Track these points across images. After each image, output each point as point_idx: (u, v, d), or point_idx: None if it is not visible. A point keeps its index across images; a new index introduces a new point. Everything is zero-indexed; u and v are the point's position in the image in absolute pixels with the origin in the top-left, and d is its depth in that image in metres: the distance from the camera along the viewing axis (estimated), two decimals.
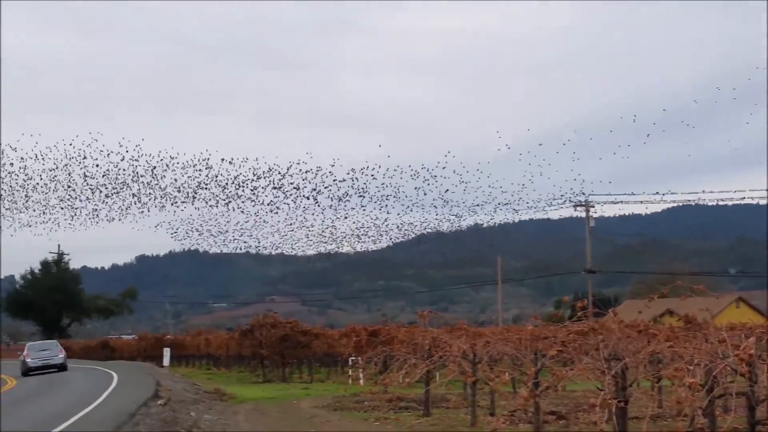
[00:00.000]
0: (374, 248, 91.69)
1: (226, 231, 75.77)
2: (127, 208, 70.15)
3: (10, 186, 67.70)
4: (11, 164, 65.14)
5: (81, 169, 65.18)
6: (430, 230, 79.54)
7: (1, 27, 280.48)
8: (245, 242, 79.92)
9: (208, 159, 64.86)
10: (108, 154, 64.23)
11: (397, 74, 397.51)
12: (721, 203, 75.32)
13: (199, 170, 64.89)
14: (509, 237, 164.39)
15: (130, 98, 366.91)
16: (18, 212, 71.80)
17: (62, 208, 70.70)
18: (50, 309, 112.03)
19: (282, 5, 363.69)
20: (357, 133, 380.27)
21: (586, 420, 18.95)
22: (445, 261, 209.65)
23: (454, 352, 19.67)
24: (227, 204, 67.90)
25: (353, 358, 39.43)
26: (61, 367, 53.36)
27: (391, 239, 78.48)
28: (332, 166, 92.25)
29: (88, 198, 68.59)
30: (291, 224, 73.39)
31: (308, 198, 66.29)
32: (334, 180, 63.28)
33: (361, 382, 36.39)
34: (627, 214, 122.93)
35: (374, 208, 68.33)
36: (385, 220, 70.25)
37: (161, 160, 65.23)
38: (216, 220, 72.92)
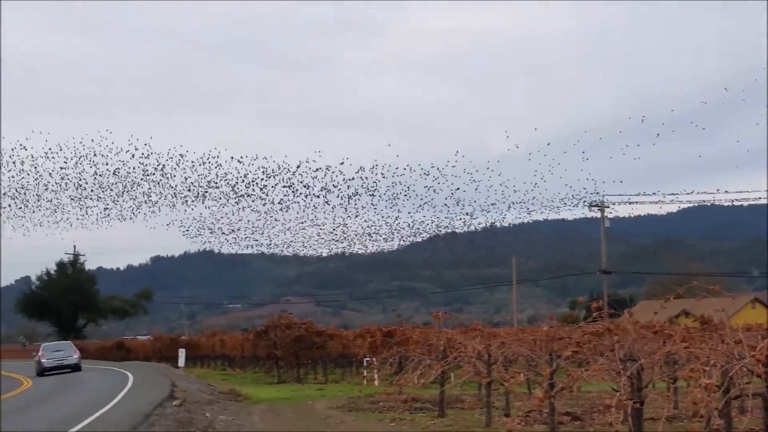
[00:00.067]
0: (389, 249, 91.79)
1: (238, 229, 76.11)
2: (138, 207, 70.55)
3: (22, 186, 68.07)
4: (22, 163, 65.52)
5: (91, 167, 65.56)
6: (444, 230, 79.66)
7: (1, 27, 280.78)
8: (256, 240, 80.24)
9: (218, 156, 65.12)
10: (117, 153, 64.60)
11: (402, 74, 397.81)
12: (736, 203, 75.15)
13: (209, 169, 65.25)
14: (524, 237, 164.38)
15: (132, 98, 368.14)
16: (30, 212, 72.17)
17: (73, 207, 71.11)
18: (66, 310, 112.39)
19: (285, 5, 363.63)
20: (363, 132, 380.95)
21: (601, 421, 18.90)
22: (460, 261, 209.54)
23: (469, 353, 19.64)
24: (237, 202, 68.24)
25: (368, 358, 39.41)
26: (75, 368, 53.76)
27: (402, 238, 78.61)
28: (341, 164, 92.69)
29: (99, 197, 69.00)
30: (302, 222, 73.68)
31: (318, 197, 66.56)
32: (344, 179, 63.51)
33: (376, 382, 36.39)
34: (642, 214, 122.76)
35: (385, 207, 68.55)
36: (396, 218, 70.44)
37: (170, 158, 65.56)
38: (228, 218, 73.24)
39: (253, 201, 68.82)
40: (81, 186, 69.23)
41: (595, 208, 72.54)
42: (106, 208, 73.95)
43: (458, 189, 65.83)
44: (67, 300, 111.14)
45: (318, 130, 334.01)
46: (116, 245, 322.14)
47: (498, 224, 79.81)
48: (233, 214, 73.81)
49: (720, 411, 11.30)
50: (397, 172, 64.86)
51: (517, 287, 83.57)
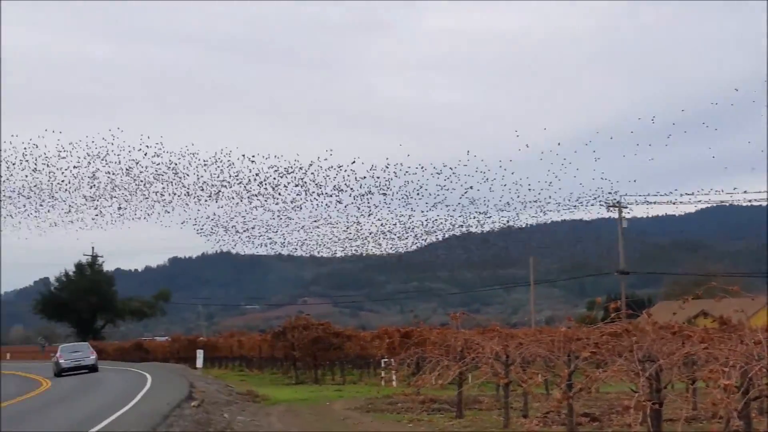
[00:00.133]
0: (406, 249, 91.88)
1: (252, 227, 76.31)
2: (151, 207, 70.83)
3: (36, 185, 68.37)
4: (35, 162, 65.80)
5: (104, 166, 65.83)
6: (461, 231, 79.63)
7: (2, 27, 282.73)
8: (270, 238, 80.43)
9: (229, 155, 65.38)
10: (129, 151, 64.89)
11: (412, 74, 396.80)
12: (755, 203, 74.72)
13: (221, 168, 65.49)
14: (540, 237, 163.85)
15: (142, 97, 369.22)
16: (46, 211, 72.49)
17: (88, 207, 71.41)
18: (84, 311, 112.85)
19: (298, 4, 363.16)
20: (374, 132, 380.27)
21: (620, 422, 18.85)
22: (477, 262, 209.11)
23: (487, 354, 19.63)
24: (250, 201, 68.47)
25: (386, 359, 39.42)
26: (92, 368, 54.53)
27: (417, 236, 78.60)
28: (353, 163, 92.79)
29: (112, 196, 69.30)
30: (315, 221, 73.84)
31: (330, 196, 66.73)
32: (356, 177, 63.64)
33: (394, 383, 36.40)
34: (659, 214, 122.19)
35: (398, 206, 68.68)
36: (410, 216, 70.51)
37: (182, 156, 65.84)
38: (243, 216, 73.46)
39: (266, 200, 69.09)
40: (94, 186, 69.63)
41: (613, 209, 72.30)
42: (119, 208, 74.34)
43: (471, 188, 65.94)
44: (86, 301, 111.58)
45: (328, 130, 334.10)
46: (134, 246, 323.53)
47: (514, 224, 79.74)
48: (247, 213, 74.08)
49: (739, 412, 11.25)
50: (409, 171, 65.00)
51: (534, 288, 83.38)
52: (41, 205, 74.23)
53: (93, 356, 56.42)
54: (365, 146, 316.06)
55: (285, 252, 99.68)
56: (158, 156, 66.39)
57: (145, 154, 67.61)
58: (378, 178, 65.70)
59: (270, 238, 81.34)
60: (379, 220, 73.39)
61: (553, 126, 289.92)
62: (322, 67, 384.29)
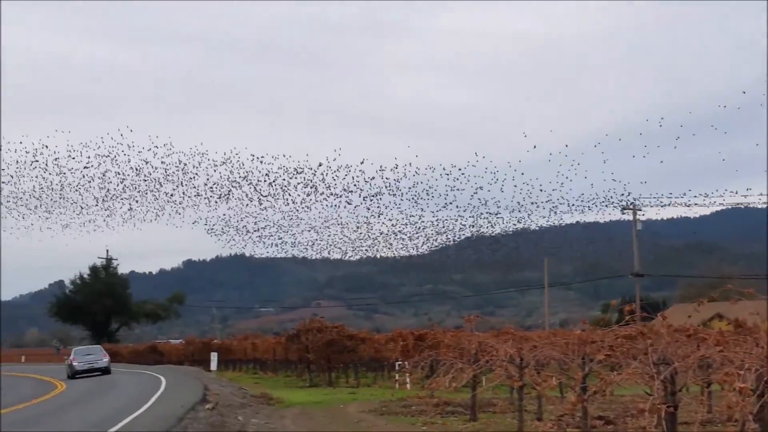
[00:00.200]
0: (417, 251, 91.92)
1: (264, 227, 76.44)
2: (161, 208, 70.99)
3: (45, 187, 68.62)
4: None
5: (114, 166, 65.99)
6: (472, 231, 79.56)
7: (2, 27, 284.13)
8: (280, 238, 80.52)
9: (239, 155, 65.49)
10: (139, 152, 65.08)
11: (416, 74, 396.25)
12: None
13: (230, 169, 65.63)
14: (554, 240, 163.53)
15: (150, 97, 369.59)
16: (59, 212, 72.72)
17: (99, 209, 71.61)
18: (99, 314, 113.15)
19: (309, 5, 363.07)
20: (381, 133, 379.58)
21: (634, 425, 18.79)
22: (490, 264, 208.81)
23: (501, 357, 19.60)
24: (260, 202, 68.60)
25: (400, 362, 39.41)
26: (105, 371, 55.25)
27: (428, 238, 78.61)
28: (361, 163, 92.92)
29: (122, 197, 69.48)
30: (326, 221, 73.94)
31: (340, 196, 66.83)
32: (365, 178, 63.70)
33: (408, 386, 36.39)
34: (674, 216, 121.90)
35: (408, 206, 68.72)
36: (420, 217, 70.54)
37: (192, 157, 65.97)
38: (254, 217, 73.59)
39: (276, 200, 69.23)
40: (104, 187, 69.87)
41: (628, 211, 72.07)
42: (130, 209, 74.54)
43: (480, 188, 65.96)
44: (101, 304, 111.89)
45: (335, 131, 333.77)
46: (148, 249, 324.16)
47: (528, 227, 79.71)
48: (258, 214, 74.23)
49: (755, 415, 11.22)
50: (418, 171, 65.07)
51: (549, 290, 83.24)
52: (52, 207, 74.45)
53: (106, 359, 57.41)
54: (372, 147, 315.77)
55: (296, 252, 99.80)
56: (168, 156, 66.49)
57: (155, 155, 67.76)
58: (387, 178, 65.76)
59: (281, 238, 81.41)
60: (390, 219, 73.45)
61: (559, 128, 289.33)
62: (321, 67, 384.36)
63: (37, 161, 67.76)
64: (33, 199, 73.05)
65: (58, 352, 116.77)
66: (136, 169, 68.16)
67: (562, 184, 65.66)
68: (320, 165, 66.92)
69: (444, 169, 67.42)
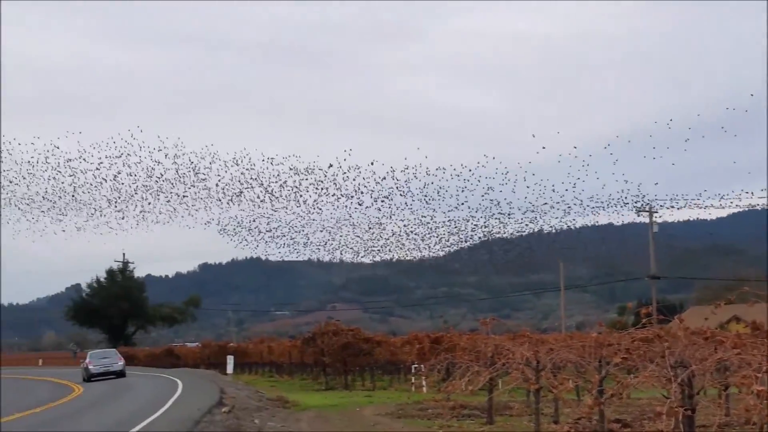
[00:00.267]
0: (429, 252, 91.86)
1: (276, 227, 76.58)
2: (174, 210, 71.15)
3: (57, 189, 68.84)
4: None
5: (126, 167, 66.18)
6: (484, 233, 79.45)
7: (1, 27, 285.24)
8: (292, 238, 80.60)
9: (249, 156, 65.58)
10: (150, 152, 65.26)
11: (423, 76, 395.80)
12: None
13: (241, 170, 65.78)
14: (569, 242, 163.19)
15: (157, 98, 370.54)
16: (74, 215, 72.94)
17: (111, 210, 71.81)
18: (116, 317, 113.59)
19: (315, 5, 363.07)
20: (390, 134, 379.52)
21: (651, 428, 18.71)
22: (506, 267, 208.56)
23: (517, 360, 19.57)
24: (272, 203, 68.73)
25: (416, 365, 39.38)
26: (120, 374, 55.88)
27: (440, 239, 78.56)
28: (371, 164, 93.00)
29: (134, 199, 69.67)
30: (337, 221, 74.01)
31: (351, 197, 66.90)
32: (375, 179, 63.78)
33: (424, 389, 36.35)
34: (690, 218, 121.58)
35: (419, 207, 68.75)
36: (432, 218, 70.54)
37: (202, 158, 66.16)
38: (267, 217, 73.71)
39: (288, 202, 69.39)
40: (116, 189, 70.11)
41: (644, 213, 71.85)
42: (142, 210, 74.77)
43: (491, 189, 65.94)
44: (117, 307, 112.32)
45: (335, 131, 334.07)
46: (165, 253, 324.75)
47: (542, 229, 79.58)
48: (270, 215, 74.38)
49: None
50: (429, 173, 65.16)
51: (564, 293, 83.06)
52: (66, 209, 74.72)
53: (121, 362, 58.07)
54: (381, 148, 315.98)
55: (309, 253, 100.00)
56: (179, 157, 66.73)
57: (166, 156, 68.01)
58: (397, 179, 65.83)
59: (293, 239, 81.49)
60: (401, 220, 73.49)
61: (564, 129, 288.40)
62: (321, 67, 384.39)
63: (48, 162, 68.01)
64: (46, 201, 73.30)
65: (75, 355, 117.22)
66: (148, 170, 68.38)
67: (573, 185, 65.45)
68: (330, 166, 66.98)
69: (454, 169, 67.38)
